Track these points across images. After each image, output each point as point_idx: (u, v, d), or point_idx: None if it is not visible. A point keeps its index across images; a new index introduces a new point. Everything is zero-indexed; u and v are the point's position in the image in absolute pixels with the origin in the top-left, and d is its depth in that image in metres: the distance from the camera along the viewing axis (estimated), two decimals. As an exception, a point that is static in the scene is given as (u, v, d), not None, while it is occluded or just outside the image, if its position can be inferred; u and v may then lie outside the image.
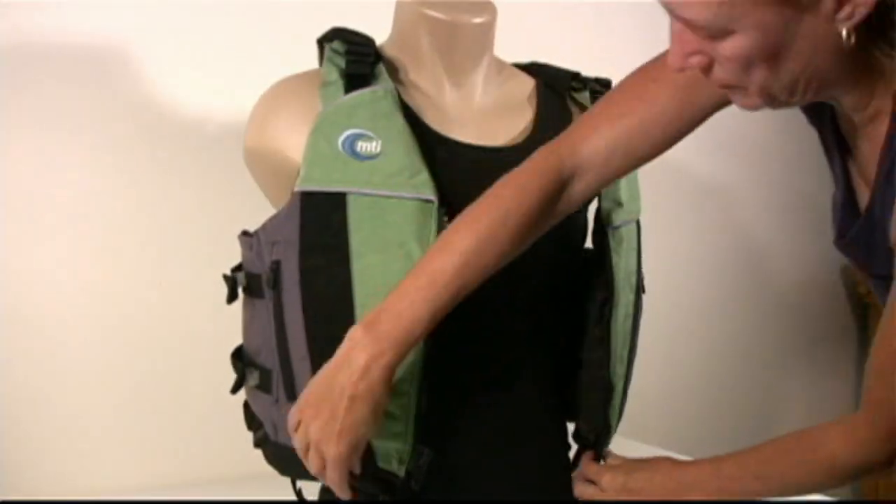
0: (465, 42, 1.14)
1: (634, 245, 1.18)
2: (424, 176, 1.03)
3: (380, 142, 1.04)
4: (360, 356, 0.93)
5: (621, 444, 1.76)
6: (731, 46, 0.85)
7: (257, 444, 1.15)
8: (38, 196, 1.51)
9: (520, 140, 1.14)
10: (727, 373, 2.23)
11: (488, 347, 1.10)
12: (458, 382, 1.08)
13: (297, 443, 0.97)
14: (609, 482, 1.10)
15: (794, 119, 1.07)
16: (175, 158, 1.59)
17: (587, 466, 1.15)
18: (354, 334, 0.95)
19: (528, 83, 1.22)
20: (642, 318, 1.22)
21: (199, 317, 1.60)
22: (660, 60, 1.01)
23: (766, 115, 1.01)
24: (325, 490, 1.14)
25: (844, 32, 0.83)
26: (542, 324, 1.15)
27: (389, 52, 1.18)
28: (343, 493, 0.97)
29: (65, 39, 1.51)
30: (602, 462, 1.16)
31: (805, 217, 2.40)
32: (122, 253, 1.56)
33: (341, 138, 1.04)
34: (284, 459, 1.08)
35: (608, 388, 1.17)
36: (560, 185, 1.03)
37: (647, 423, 2.07)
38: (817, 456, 0.98)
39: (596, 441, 1.18)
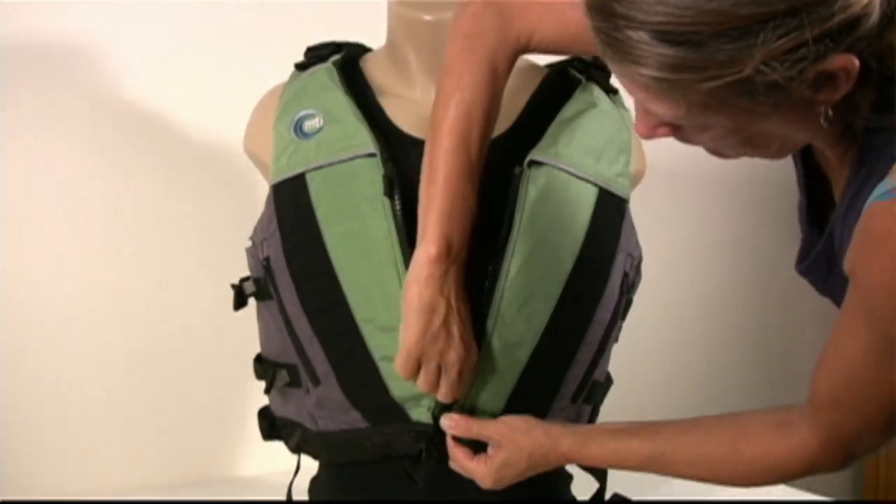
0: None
1: (584, 207, 1.06)
2: (363, 134, 1.05)
3: (321, 115, 1.07)
4: (427, 268, 0.95)
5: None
6: (702, 137, 0.84)
7: (295, 450, 1.13)
8: (38, 196, 1.50)
9: (503, 130, 1.10)
10: (728, 369, 2.23)
11: None
12: None
13: (421, 381, 0.98)
14: (479, 475, 1.02)
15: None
16: (177, 158, 1.59)
17: (452, 449, 1.04)
18: (415, 257, 0.96)
19: (536, 73, 1.17)
20: (642, 314, 1.21)
21: (199, 317, 1.60)
22: None
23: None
24: (314, 490, 1.14)
25: (823, 109, 0.79)
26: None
27: (378, 57, 1.18)
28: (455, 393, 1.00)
29: (65, 39, 1.51)
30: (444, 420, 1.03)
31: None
32: (122, 253, 1.56)
33: (293, 124, 1.08)
34: (333, 445, 1.07)
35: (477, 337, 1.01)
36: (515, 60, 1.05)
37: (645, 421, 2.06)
38: (752, 453, 0.93)
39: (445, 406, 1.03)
